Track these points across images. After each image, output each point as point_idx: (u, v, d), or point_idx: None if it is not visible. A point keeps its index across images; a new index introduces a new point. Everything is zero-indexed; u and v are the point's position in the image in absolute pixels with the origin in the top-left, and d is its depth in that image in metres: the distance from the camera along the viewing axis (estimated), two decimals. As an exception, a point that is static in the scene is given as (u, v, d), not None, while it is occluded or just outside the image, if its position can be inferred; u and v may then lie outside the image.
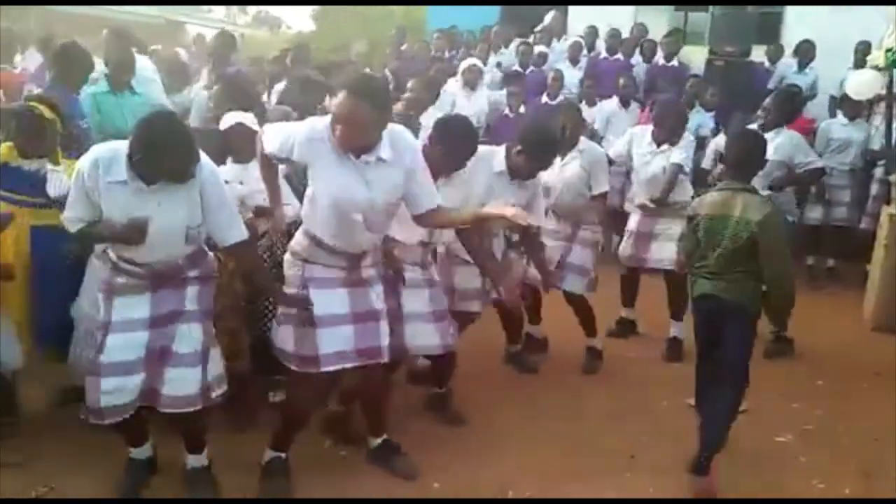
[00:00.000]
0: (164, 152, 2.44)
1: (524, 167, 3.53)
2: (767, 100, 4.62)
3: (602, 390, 4.02)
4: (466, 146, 3.24)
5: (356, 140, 2.61)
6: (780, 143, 4.40)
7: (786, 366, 4.44)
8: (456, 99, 6.50)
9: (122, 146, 2.52)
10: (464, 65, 6.85)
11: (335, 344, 2.75)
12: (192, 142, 2.52)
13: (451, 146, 3.18)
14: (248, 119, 3.49)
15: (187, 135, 2.52)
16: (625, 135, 4.74)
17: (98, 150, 2.56)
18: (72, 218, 2.63)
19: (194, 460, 2.91)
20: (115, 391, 2.57)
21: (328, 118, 2.65)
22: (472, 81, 6.70)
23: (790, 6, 8.51)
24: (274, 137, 2.78)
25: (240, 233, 2.72)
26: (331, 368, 2.76)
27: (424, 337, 3.23)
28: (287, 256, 2.87)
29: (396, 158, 2.69)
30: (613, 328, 4.82)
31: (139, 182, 2.51)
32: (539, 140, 3.52)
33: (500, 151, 3.61)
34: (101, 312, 2.66)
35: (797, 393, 4.05)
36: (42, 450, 3.09)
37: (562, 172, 4.08)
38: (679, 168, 4.38)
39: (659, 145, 4.43)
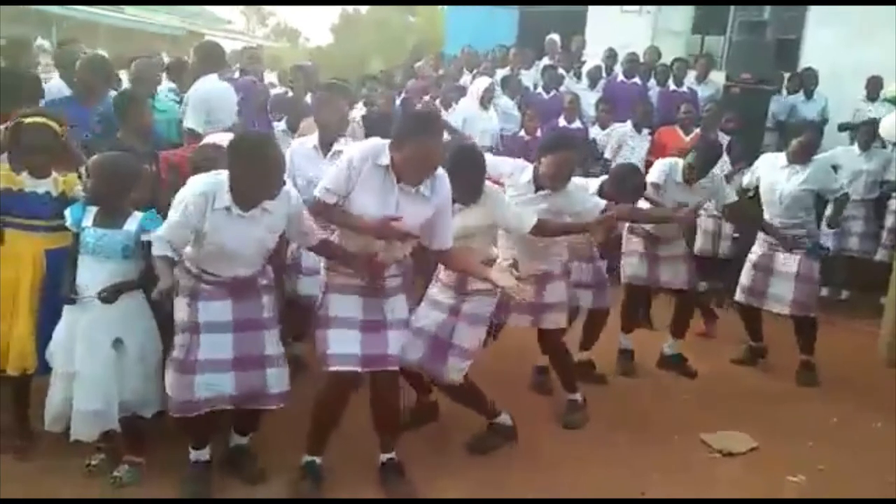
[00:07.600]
0: (255, 170, 2.75)
1: (551, 173, 3.59)
2: (802, 137, 4.55)
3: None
4: (478, 176, 3.29)
5: (426, 176, 2.87)
6: (811, 174, 4.54)
7: (799, 401, 4.43)
8: (467, 117, 6.55)
9: (224, 177, 2.81)
10: (480, 84, 6.88)
11: (343, 346, 2.95)
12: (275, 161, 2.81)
13: (465, 177, 3.19)
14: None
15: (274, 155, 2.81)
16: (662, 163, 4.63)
17: (204, 182, 2.83)
18: (164, 238, 2.83)
19: (240, 439, 3.24)
20: (209, 385, 2.87)
21: (377, 144, 2.88)
22: (486, 101, 6.75)
23: (809, 35, 8.51)
24: (335, 182, 2.90)
25: (314, 239, 3.04)
26: (336, 369, 2.94)
27: (412, 350, 3.20)
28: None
29: (433, 197, 2.94)
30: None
31: (238, 209, 2.82)
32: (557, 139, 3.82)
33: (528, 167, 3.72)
34: (186, 316, 2.89)
35: (810, 431, 4.02)
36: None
37: None
38: None
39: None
